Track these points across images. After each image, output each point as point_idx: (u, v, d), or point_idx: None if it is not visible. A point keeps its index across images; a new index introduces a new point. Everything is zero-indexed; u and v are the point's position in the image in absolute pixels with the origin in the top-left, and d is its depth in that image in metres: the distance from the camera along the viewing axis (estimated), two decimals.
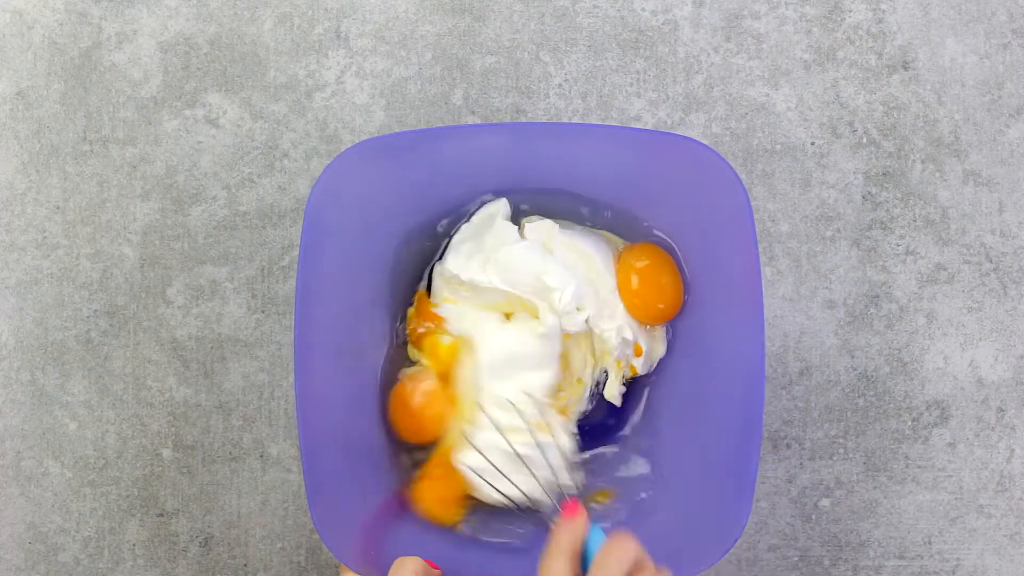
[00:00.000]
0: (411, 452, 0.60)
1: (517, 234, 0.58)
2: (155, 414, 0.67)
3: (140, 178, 0.67)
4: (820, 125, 0.68)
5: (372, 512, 0.57)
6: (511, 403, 0.56)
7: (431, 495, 0.58)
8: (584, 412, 0.60)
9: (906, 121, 0.69)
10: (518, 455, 0.55)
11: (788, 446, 0.68)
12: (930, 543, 0.69)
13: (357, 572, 0.54)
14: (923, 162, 0.69)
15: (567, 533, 0.48)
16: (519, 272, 0.57)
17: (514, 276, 0.57)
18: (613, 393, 0.60)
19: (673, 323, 0.60)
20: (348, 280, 0.57)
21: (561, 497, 0.55)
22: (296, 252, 0.65)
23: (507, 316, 0.59)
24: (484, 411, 0.56)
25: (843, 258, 0.68)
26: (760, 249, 0.68)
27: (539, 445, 0.56)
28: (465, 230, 0.59)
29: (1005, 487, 0.69)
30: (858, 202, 0.68)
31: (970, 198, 0.69)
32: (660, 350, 0.60)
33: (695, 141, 0.56)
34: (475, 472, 0.56)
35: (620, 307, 0.59)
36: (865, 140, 0.68)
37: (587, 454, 0.61)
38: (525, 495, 0.56)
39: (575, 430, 0.60)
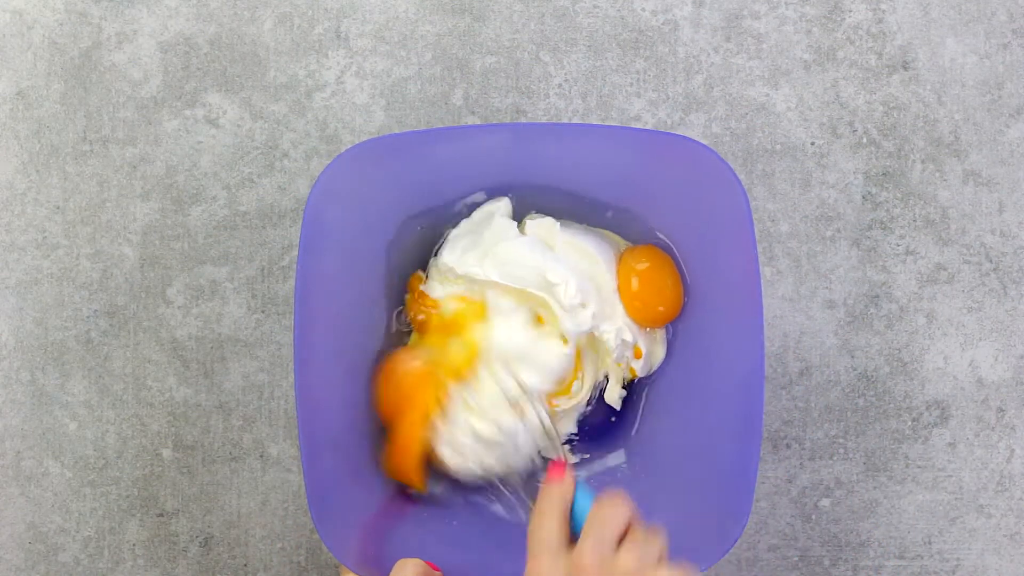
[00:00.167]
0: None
1: (517, 230, 0.58)
2: (155, 414, 0.67)
3: (140, 178, 0.67)
4: (820, 125, 0.68)
5: (372, 513, 0.57)
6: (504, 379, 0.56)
7: (397, 461, 0.58)
8: (584, 413, 0.60)
9: (906, 121, 0.69)
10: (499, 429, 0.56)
11: (788, 446, 0.68)
12: (930, 543, 0.69)
13: (357, 573, 0.54)
14: (923, 162, 0.69)
15: (555, 493, 0.47)
16: (519, 267, 0.56)
17: (513, 271, 0.57)
18: (613, 397, 0.59)
19: (673, 323, 0.60)
20: (347, 280, 0.57)
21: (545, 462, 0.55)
22: (296, 252, 0.65)
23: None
24: (495, 376, 0.56)
25: (843, 258, 0.68)
26: (760, 249, 0.68)
27: (524, 419, 0.56)
28: (463, 226, 0.59)
29: (1005, 487, 0.69)
30: (858, 202, 0.68)
31: (970, 198, 0.69)
32: (660, 353, 0.60)
33: (694, 141, 0.56)
34: (456, 448, 0.56)
35: (620, 308, 0.58)
36: (865, 140, 0.68)
37: (587, 456, 0.61)
38: (507, 470, 0.56)
39: (575, 430, 0.60)
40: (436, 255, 0.59)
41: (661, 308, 0.58)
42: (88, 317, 0.67)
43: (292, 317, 0.67)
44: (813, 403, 0.68)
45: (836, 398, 0.68)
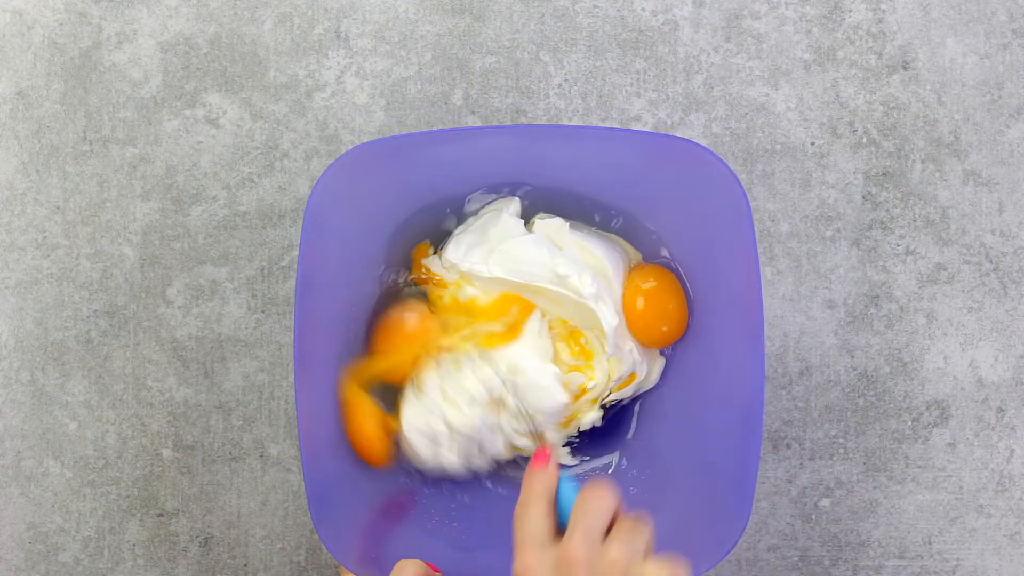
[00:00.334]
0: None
1: (523, 228, 0.58)
2: (155, 414, 0.67)
3: (140, 178, 0.67)
4: (820, 125, 0.68)
5: (372, 514, 0.57)
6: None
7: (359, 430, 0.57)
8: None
9: (906, 121, 0.69)
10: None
11: (788, 446, 0.68)
12: (930, 543, 0.69)
13: (357, 574, 0.54)
14: (923, 162, 0.69)
15: (539, 480, 0.47)
16: (527, 264, 0.56)
17: (521, 267, 0.56)
18: (587, 421, 0.59)
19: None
20: (347, 281, 0.57)
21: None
22: (296, 252, 0.65)
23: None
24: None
25: (843, 258, 0.68)
26: (760, 249, 0.68)
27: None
28: (471, 222, 0.59)
29: (1005, 487, 0.69)
30: (858, 202, 0.68)
31: (970, 198, 0.69)
32: (654, 376, 0.60)
33: (694, 143, 0.56)
34: (428, 436, 0.56)
35: (623, 322, 0.58)
36: (865, 140, 0.68)
37: (587, 458, 0.61)
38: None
39: (575, 433, 0.60)
40: (440, 251, 0.59)
41: (665, 328, 0.58)
42: (88, 317, 0.67)
43: (292, 317, 0.67)
44: (813, 403, 0.68)
45: (836, 398, 0.68)
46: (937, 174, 0.69)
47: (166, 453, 0.67)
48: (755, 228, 0.66)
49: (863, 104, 0.68)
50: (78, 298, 0.67)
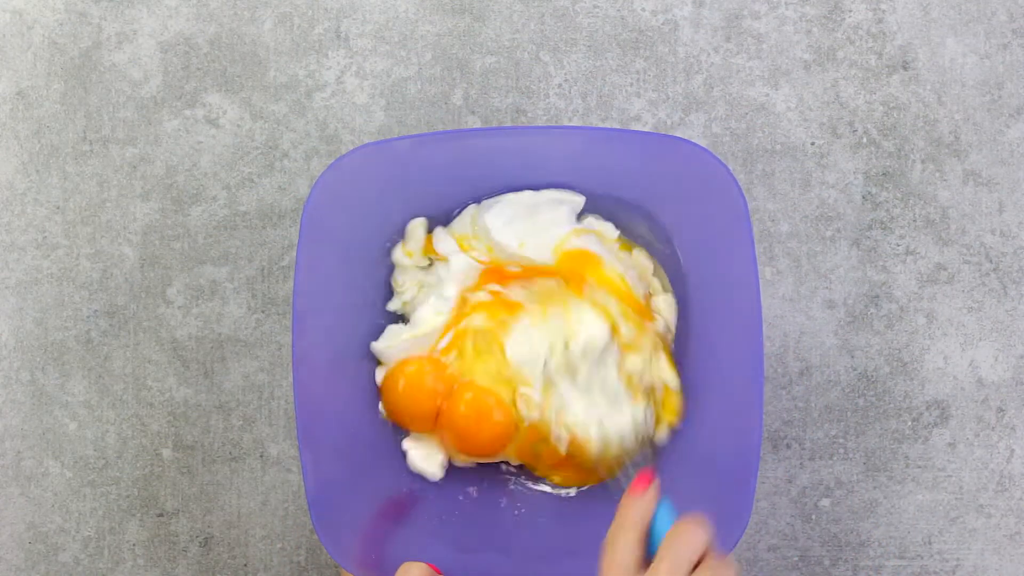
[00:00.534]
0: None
1: (577, 225, 0.58)
2: (155, 414, 0.67)
3: (140, 178, 0.67)
4: (820, 125, 0.68)
5: (373, 515, 0.57)
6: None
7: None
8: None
9: (906, 121, 0.69)
10: None
11: (788, 446, 0.68)
12: (930, 543, 0.69)
13: None
14: (923, 162, 0.69)
15: (636, 507, 0.46)
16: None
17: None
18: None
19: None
20: (347, 281, 0.57)
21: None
22: (296, 252, 0.65)
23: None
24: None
25: (843, 258, 0.68)
26: (760, 249, 0.68)
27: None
28: (525, 196, 0.58)
29: (1005, 487, 0.69)
30: (858, 202, 0.68)
31: (970, 198, 0.69)
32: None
33: (693, 144, 0.56)
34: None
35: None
36: (865, 140, 0.68)
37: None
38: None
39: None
40: (450, 223, 0.59)
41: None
42: (88, 317, 0.67)
43: (292, 317, 0.67)
44: (813, 403, 0.68)
45: (836, 398, 0.68)
46: (937, 174, 0.69)
47: (166, 453, 0.67)
48: (755, 228, 0.67)
49: (863, 104, 0.68)
50: (78, 298, 0.67)
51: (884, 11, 0.69)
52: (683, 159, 0.56)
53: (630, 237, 0.60)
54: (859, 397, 0.68)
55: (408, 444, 0.58)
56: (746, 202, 0.54)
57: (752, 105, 0.68)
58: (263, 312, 0.67)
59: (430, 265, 0.58)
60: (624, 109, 0.68)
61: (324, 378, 0.56)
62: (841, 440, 0.68)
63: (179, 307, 0.67)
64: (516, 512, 0.58)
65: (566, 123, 0.68)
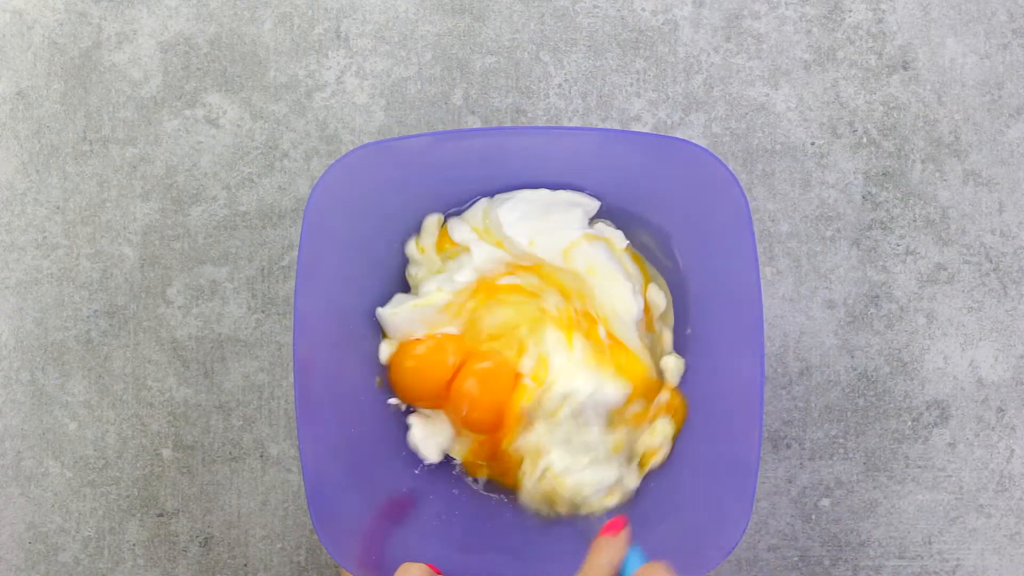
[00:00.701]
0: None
1: (588, 228, 0.58)
2: (155, 414, 0.67)
3: (140, 178, 0.67)
4: (820, 125, 0.68)
5: (372, 516, 0.57)
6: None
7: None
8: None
9: (906, 121, 0.69)
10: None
11: (788, 446, 0.68)
12: (930, 543, 0.69)
13: None
14: (923, 162, 0.69)
15: (608, 551, 0.46)
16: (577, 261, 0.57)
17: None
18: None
19: (675, 325, 0.60)
20: (347, 281, 0.57)
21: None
22: (296, 252, 0.65)
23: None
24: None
25: (843, 258, 0.68)
26: (760, 249, 0.68)
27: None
28: (542, 194, 0.58)
29: (1005, 487, 0.69)
30: (858, 202, 0.68)
31: (970, 198, 0.69)
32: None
33: (693, 144, 0.56)
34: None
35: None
36: (865, 140, 0.68)
37: None
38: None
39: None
40: (461, 213, 0.59)
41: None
42: (88, 317, 0.67)
43: (292, 317, 0.67)
44: (813, 403, 0.68)
45: (836, 398, 0.68)
46: (937, 174, 0.69)
47: (166, 453, 0.67)
48: (755, 228, 0.67)
49: (863, 104, 0.68)
50: (78, 298, 0.67)
51: (884, 11, 0.69)
52: (684, 160, 0.56)
53: (630, 237, 0.60)
54: (859, 397, 0.68)
55: (413, 420, 0.58)
56: (747, 202, 0.54)
57: (752, 105, 0.68)
58: (263, 312, 0.67)
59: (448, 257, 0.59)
60: (624, 109, 0.68)
61: (324, 378, 0.56)
62: (841, 440, 0.68)
63: (179, 307, 0.67)
64: (516, 512, 0.58)
65: (566, 123, 0.68)
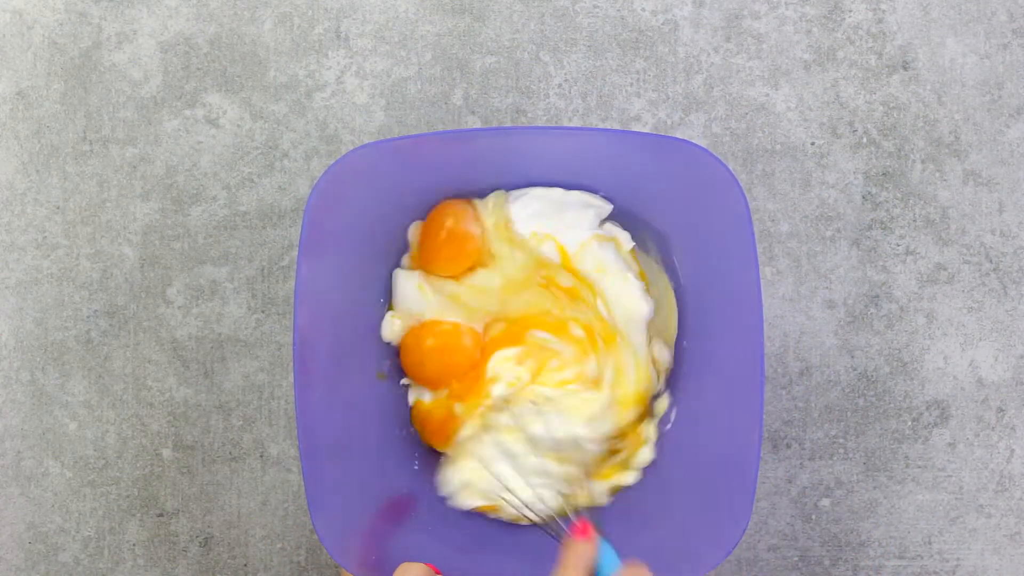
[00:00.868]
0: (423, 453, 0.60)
1: (597, 228, 0.58)
2: (155, 414, 0.67)
3: (140, 178, 0.67)
4: (820, 125, 0.68)
5: (372, 516, 0.57)
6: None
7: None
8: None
9: (906, 121, 0.69)
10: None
11: (788, 446, 0.68)
12: (930, 543, 0.69)
13: None
14: (923, 162, 0.69)
15: (577, 554, 0.47)
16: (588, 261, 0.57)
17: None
18: (600, 491, 0.59)
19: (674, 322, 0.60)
20: (347, 281, 0.57)
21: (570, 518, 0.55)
22: (296, 252, 0.65)
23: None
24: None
25: (843, 258, 0.68)
26: (760, 249, 0.68)
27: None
28: (554, 193, 0.58)
29: (1005, 487, 0.69)
30: (858, 202, 0.68)
31: (970, 198, 0.69)
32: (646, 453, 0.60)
33: (693, 144, 0.56)
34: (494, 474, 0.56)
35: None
36: (865, 140, 0.68)
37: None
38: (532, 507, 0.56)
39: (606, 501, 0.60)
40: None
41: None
42: (88, 317, 0.67)
43: (292, 317, 0.67)
44: (813, 403, 0.68)
45: (836, 398, 0.68)
46: (937, 174, 0.69)
47: (166, 453, 0.67)
48: (755, 228, 0.66)
49: (863, 104, 0.68)
50: (78, 298, 0.67)
51: (884, 11, 0.69)
52: (683, 160, 0.56)
53: (631, 237, 0.60)
54: (859, 397, 0.68)
55: (414, 394, 0.59)
56: (747, 203, 0.54)
57: (752, 105, 0.68)
58: (263, 312, 0.67)
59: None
60: (624, 109, 0.68)
61: (324, 378, 0.56)
62: (841, 440, 0.68)
63: (179, 307, 0.67)
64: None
65: (566, 123, 0.68)
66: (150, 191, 0.67)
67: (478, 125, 0.68)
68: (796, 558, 0.68)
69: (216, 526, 0.67)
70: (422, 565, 0.50)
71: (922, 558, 0.69)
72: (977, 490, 0.69)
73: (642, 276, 0.59)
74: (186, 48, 0.68)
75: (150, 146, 0.67)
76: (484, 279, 0.58)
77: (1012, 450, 0.69)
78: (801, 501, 0.68)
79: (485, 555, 0.57)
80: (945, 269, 0.69)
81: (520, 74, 0.68)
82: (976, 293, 0.69)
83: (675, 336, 0.59)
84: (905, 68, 0.69)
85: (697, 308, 0.59)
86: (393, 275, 0.59)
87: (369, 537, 0.56)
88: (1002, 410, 0.69)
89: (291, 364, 0.67)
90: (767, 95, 0.68)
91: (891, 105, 0.69)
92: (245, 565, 0.67)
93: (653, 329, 0.59)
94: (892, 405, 0.68)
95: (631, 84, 0.68)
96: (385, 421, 0.59)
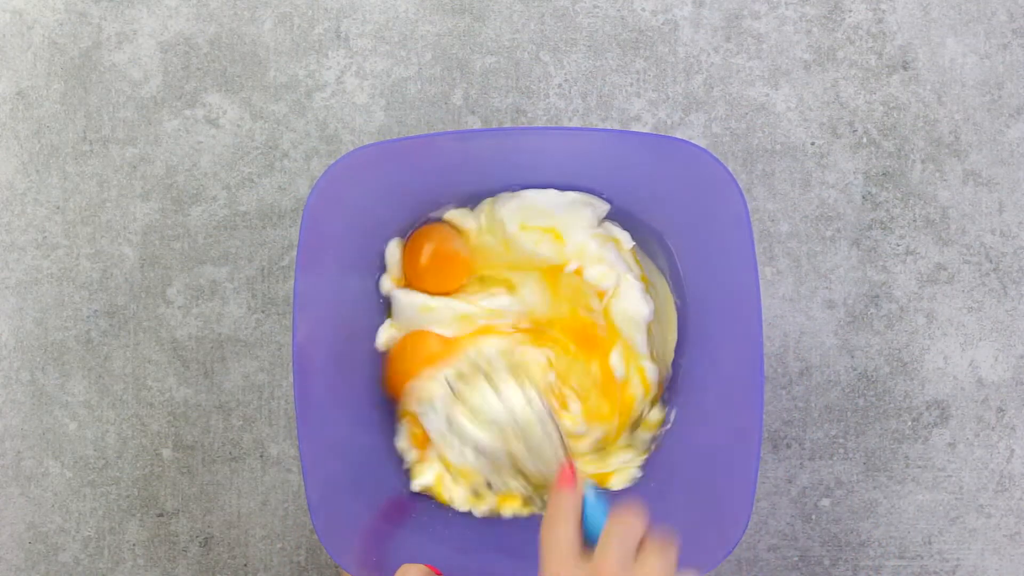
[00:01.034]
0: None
1: (596, 229, 0.58)
2: (155, 414, 0.67)
3: (140, 178, 0.67)
4: (820, 125, 0.68)
5: (372, 516, 0.57)
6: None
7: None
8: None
9: (906, 121, 0.69)
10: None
11: (788, 446, 0.68)
12: (930, 543, 0.69)
13: None
14: (923, 162, 0.69)
15: (566, 500, 0.47)
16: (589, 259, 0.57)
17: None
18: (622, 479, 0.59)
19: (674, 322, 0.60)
20: (347, 281, 0.57)
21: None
22: (296, 252, 0.65)
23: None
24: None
25: (843, 258, 0.68)
26: (760, 249, 0.68)
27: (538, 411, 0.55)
28: (550, 195, 0.58)
29: (1005, 487, 0.69)
30: (858, 202, 0.68)
31: (970, 198, 0.69)
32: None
33: (692, 144, 0.56)
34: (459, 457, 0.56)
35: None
36: (865, 140, 0.68)
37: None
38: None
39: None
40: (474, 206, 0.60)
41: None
42: (88, 317, 0.67)
43: (292, 317, 0.67)
44: (813, 403, 0.68)
45: (836, 398, 0.68)
46: (937, 174, 0.69)
47: (166, 453, 0.67)
48: (755, 228, 0.67)
49: (863, 104, 0.68)
50: (78, 298, 0.67)
51: (884, 11, 0.69)
52: (683, 160, 0.56)
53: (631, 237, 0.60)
54: (859, 397, 0.68)
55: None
56: (746, 203, 0.54)
57: (752, 105, 0.68)
58: (263, 312, 0.67)
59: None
60: (624, 109, 0.68)
61: (324, 378, 0.56)
62: (841, 440, 0.68)
63: (179, 307, 0.67)
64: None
65: (566, 123, 0.68)
66: (150, 191, 0.67)
67: (478, 125, 0.68)
68: (796, 558, 0.68)
69: (216, 526, 0.67)
70: (422, 566, 0.50)
71: (922, 558, 0.69)
72: (977, 490, 0.69)
73: (643, 278, 0.59)
74: (186, 48, 0.68)
75: (150, 146, 0.67)
76: (499, 302, 0.58)
77: (1012, 450, 0.69)
78: (801, 501, 0.68)
79: (485, 555, 0.57)
80: (945, 269, 0.69)
81: (520, 74, 0.68)
82: (976, 293, 0.69)
83: (674, 339, 0.59)
84: (905, 68, 0.69)
85: (697, 308, 0.59)
86: (392, 296, 0.59)
87: (369, 537, 0.56)
88: (1002, 410, 0.69)
89: (291, 364, 0.67)
90: (767, 95, 0.68)
91: (891, 105, 0.69)
92: (245, 565, 0.67)
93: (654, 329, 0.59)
94: (892, 405, 0.68)
95: (631, 84, 0.68)
96: (386, 421, 0.59)
